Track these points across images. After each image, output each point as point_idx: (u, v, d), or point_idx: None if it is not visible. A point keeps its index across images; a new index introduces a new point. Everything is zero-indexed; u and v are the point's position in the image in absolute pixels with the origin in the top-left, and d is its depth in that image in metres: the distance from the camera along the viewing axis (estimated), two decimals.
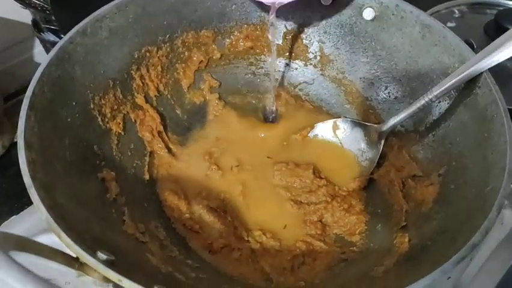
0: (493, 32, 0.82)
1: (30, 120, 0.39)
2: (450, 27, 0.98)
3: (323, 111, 0.59)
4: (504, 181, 0.36)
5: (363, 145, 0.54)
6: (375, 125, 0.53)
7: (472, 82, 0.45)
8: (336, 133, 0.55)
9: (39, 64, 0.83)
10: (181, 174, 0.52)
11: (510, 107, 0.73)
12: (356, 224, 0.48)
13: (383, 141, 0.52)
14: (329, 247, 0.46)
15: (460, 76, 0.44)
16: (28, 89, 0.41)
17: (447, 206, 0.42)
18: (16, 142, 0.70)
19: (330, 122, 0.56)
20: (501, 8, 0.97)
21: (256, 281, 0.43)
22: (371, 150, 0.53)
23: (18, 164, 0.67)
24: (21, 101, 0.78)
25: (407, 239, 0.42)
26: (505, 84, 0.82)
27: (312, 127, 0.56)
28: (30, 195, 0.34)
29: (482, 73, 0.44)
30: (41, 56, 0.86)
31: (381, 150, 0.52)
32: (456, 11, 1.00)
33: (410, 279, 0.31)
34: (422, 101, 0.47)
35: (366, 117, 0.56)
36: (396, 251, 0.41)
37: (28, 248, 0.29)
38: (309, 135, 0.56)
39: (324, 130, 0.56)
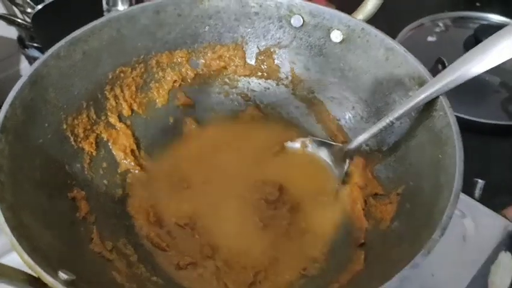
0: (472, 47, 0.85)
1: (1, 143, 0.41)
2: (430, 42, 1.01)
3: (294, 130, 0.60)
4: (450, 202, 0.38)
5: (329, 164, 0.56)
6: (341, 145, 0.55)
7: (429, 104, 0.46)
8: (304, 151, 0.57)
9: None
10: (152, 191, 0.53)
11: (478, 120, 0.74)
12: (319, 241, 0.49)
13: (348, 161, 0.53)
14: (291, 263, 0.48)
15: (418, 99, 0.46)
16: (0, 112, 0.42)
17: (401, 224, 0.44)
18: None
19: (299, 141, 0.57)
20: (484, 23, 0.99)
21: None
22: (337, 169, 0.55)
23: None
24: None
25: (363, 257, 0.44)
26: (479, 95, 0.85)
27: (282, 146, 0.58)
28: None
29: (438, 96, 0.45)
30: (26, 71, 0.88)
31: (346, 168, 0.54)
32: (440, 24, 1.02)
33: None
34: (383, 123, 0.49)
35: (334, 136, 0.58)
36: (352, 268, 0.43)
37: None
38: (278, 152, 0.57)
39: (292, 149, 0.57)
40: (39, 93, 0.46)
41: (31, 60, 0.83)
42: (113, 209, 0.50)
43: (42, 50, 0.79)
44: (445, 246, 0.53)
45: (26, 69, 0.88)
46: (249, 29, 0.59)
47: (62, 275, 0.34)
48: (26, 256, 0.33)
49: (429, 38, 0.99)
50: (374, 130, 0.50)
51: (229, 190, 0.54)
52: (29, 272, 0.34)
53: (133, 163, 0.54)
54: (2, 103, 0.82)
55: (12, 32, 0.83)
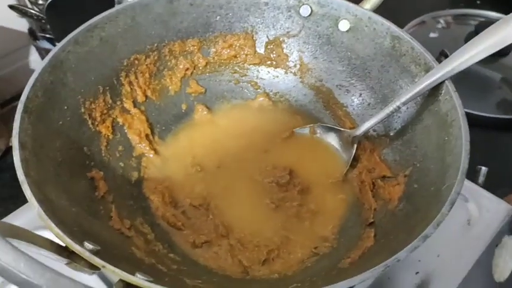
0: None
1: (24, 122, 0.42)
2: (432, 38, 1.03)
3: (302, 117, 0.62)
4: (458, 179, 0.39)
5: (338, 149, 0.57)
6: (349, 130, 0.56)
7: (435, 89, 0.48)
8: (313, 137, 0.59)
9: (34, 71, 0.86)
10: (166, 174, 0.55)
11: (481, 114, 0.77)
12: (329, 221, 0.51)
13: (355, 146, 0.55)
14: (303, 242, 0.49)
15: (424, 84, 0.48)
16: (23, 94, 0.44)
17: (410, 203, 0.46)
18: (11, 146, 0.73)
19: (308, 128, 0.59)
20: (483, 19, 1.01)
21: (233, 273, 0.47)
22: (344, 154, 0.56)
23: (14, 167, 0.70)
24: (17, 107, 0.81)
25: (372, 234, 0.45)
26: (482, 91, 0.87)
27: (291, 132, 0.59)
28: (23, 190, 0.37)
29: (444, 81, 0.47)
30: (36, 63, 0.89)
31: (354, 153, 0.55)
32: (442, 21, 1.04)
33: (369, 268, 0.35)
34: (390, 108, 0.51)
35: (341, 122, 0.60)
36: (362, 244, 0.45)
37: (21, 236, 0.32)
38: (287, 138, 0.59)
39: (302, 134, 0.59)
40: (58, 77, 0.48)
41: (42, 51, 0.85)
42: (130, 190, 0.52)
43: (53, 42, 0.81)
44: (451, 229, 0.56)
45: (35, 61, 0.90)
46: (259, 19, 0.61)
47: (88, 245, 0.35)
48: (54, 226, 0.35)
49: (432, 34, 1.01)
50: (382, 115, 0.52)
51: (241, 174, 0.55)
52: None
53: (147, 147, 0.56)
54: (13, 94, 0.84)
55: (21, 25, 0.84)
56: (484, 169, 0.66)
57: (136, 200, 0.52)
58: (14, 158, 0.39)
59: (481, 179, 0.65)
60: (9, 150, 0.74)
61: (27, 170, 0.39)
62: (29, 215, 0.56)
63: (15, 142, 0.40)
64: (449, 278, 0.54)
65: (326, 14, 0.58)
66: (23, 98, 0.44)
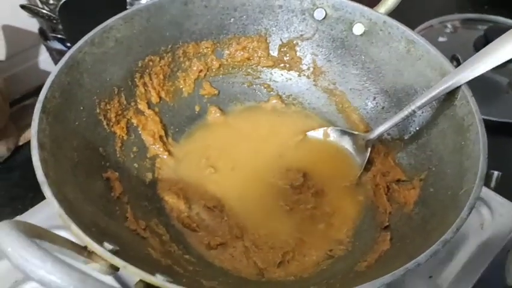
0: (482, 47, 0.88)
1: (42, 123, 0.42)
2: (441, 42, 1.03)
3: (316, 120, 0.62)
4: (476, 184, 0.39)
5: (351, 152, 0.57)
6: (363, 134, 0.57)
7: (451, 94, 0.48)
8: (326, 140, 0.59)
9: (44, 71, 0.87)
10: (181, 176, 0.55)
11: (489, 118, 0.77)
12: (344, 224, 0.51)
13: (369, 149, 0.55)
14: (317, 245, 0.49)
15: (441, 88, 0.48)
16: (41, 93, 0.44)
17: (426, 207, 0.46)
18: (20, 146, 0.73)
19: (321, 131, 0.59)
20: (491, 24, 1.01)
21: (248, 275, 0.47)
22: (358, 157, 0.56)
23: (22, 166, 0.70)
24: (26, 106, 0.81)
25: (388, 238, 0.45)
26: (490, 96, 0.87)
27: (304, 135, 0.59)
28: (43, 190, 0.37)
29: (460, 86, 0.47)
30: (45, 63, 0.89)
31: (367, 157, 0.55)
32: (449, 26, 1.04)
33: (388, 271, 0.35)
34: (405, 112, 0.51)
35: (355, 126, 0.60)
36: (378, 248, 0.45)
37: (45, 236, 0.32)
38: (301, 141, 0.59)
39: (315, 138, 0.59)
40: (75, 77, 0.48)
41: (53, 52, 0.85)
42: (145, 191, 0.52)
43: (64, 42, 0.81)
44: (464, 233, 0.56)
45: (45, 61, 0.90)
46: (273, 22, 0.61)
47: (108, 246, 0.35)
48: (74, 227, 0.35)
49: (440, 39, 1.01)
50: (396, 119, 0.52)
51: (255, 176, 0.55)
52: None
53: (161, 148, 0.56)
54: (23, 93, 0.84)
55: (31, 25, 0.84)
56: (496, 173, 0.65)
57: (151, 201, 0.52)
58: (33, 158, 0.39)
59: (494, 183, 0.65)
60: (18, 149, 0.74)
61: (46, 170, 0.39)
62: (40, 215, 0.56)
63: (34, 142, 0.40)
64: (461, 281, 0.54)
65: (340, 18, 0.58)
66: (41, 97, 0.44)
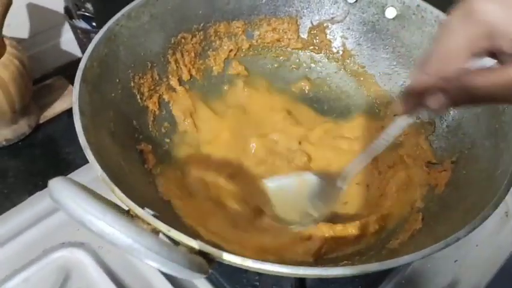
0: None
1: (82, 91, 0.43)
2: None
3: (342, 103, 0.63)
4: None
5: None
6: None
7: None
8: None
9: (65, 51, 0.87)
10: (209, 152, 0.55)
11: None
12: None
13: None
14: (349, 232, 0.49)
15: None
16: (81, 62, 0.44)
17: (458, 189, 0.46)
18: (41, 123, 0.73)
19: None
20: None
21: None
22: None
23: (43, 144, 0.70)
24: (47, 85, 0.81)
25: (420, 217, 0.46)
26: None
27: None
28: (86, 155, 0.38)
29: None
30: (68, 43, 0.89)
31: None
32: None
33: (425, 245, 0.35)
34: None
35: (383, 109, 0.60)
36: (410, 227, 0.45)
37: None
38: None
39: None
40: (112, 49, 0.49)
41: (77, 30, 0.85)
42: (174, 166, 0.53)
43: (90, 21, 0.81)
44: (489, 220, 0.56)
45: (68, 40, 0.90)
46: (304, 4, 0.62)
47: (148, 211, 0.36)
48: (118, 190, 0.35)
49: None
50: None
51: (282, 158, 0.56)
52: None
53: (191, 125, 0.56)
54: (44, 72, 0.84)
55: (54, 3, 0.84)
56: None
57: (181, 174, 0.52)
58: (76, 124, 0.40)
59: None
60: (39, 126, 0.74)
61: (88, 136, 0.39)
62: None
63: (75, 108, 0.41)
64: (486, 266, 0.54)
65: (372, 1, 0.59)
66: (82, 66, 0.44)
